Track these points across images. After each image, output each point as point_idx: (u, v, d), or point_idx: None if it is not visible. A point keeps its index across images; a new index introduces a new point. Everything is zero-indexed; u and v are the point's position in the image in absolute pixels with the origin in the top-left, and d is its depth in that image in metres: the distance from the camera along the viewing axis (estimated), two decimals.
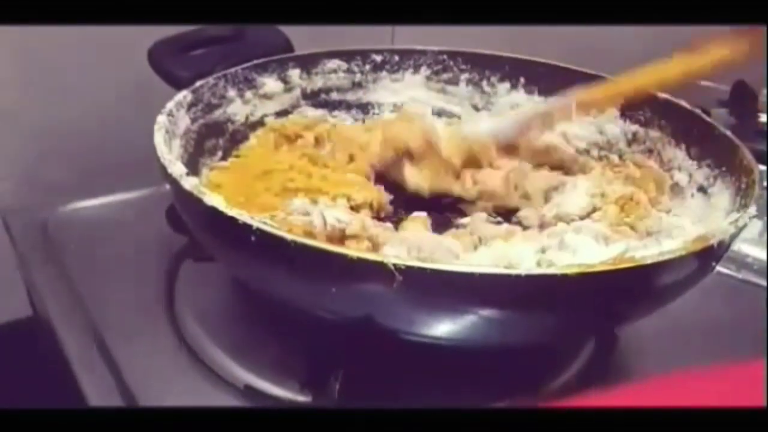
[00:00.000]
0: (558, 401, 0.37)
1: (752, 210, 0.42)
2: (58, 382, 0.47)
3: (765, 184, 0.45)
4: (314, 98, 0.62)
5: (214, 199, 0.39)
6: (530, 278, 0.35)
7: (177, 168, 0.42)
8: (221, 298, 0.53)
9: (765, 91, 0.84)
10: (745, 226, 0.41)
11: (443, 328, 0.40)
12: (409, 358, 0.43)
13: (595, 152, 0.59)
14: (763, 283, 0.58)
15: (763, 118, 0.84)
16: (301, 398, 0.44)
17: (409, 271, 0.35)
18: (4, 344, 0.67)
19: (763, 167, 0.47)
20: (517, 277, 0.35)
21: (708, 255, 0.39)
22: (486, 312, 0.38)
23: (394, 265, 0.35)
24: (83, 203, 0.63)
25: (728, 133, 0.50)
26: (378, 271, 0.35)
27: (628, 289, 0.39)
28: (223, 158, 0.56)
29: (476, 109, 0.63)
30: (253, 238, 0.37)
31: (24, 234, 0.59)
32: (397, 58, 0.63)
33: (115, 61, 0.63)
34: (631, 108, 0.57)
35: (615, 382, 0.48)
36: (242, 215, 0.37)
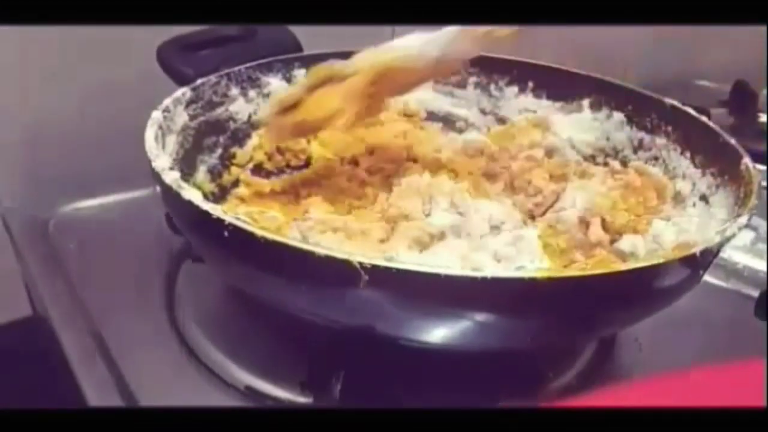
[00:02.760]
0: (558, 401, 0.37)
1: (742, 220, 0.41)
2: (58, 382, 0.47)
3: (765, 183, 0.45)
4: None
5: (191, 194, 0.39)
6: (496, 281, 0.35)
7: (161, 162, 0.42)
8: (221, 299, 0.53)
9: (765, 91, 0.84)
10: (733, 236, 0.40)
11: (422, 330, 0.39)
12: (409, 359, 0.43)
13: (600, 158, 0.59)
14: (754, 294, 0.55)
15: (763, 118, 0.84)
16: (302, 399, 0.44)
17: (375, 270, 0.34)
18: (4, 344, 0.67)
19: (762, 167, 0.47)
20: (483, 279, 0.34)
21: (691, 263, 0.39)
22: (456, 313, 0.37)
23: (360, 263, 0.34)
24: (83, 203, 0.63)
25: (733, 141, 0.49)
26: (344, 269, 0.34)
27: (603, 297, 0.38)
28: (223, 156, 0.56)
29: (484, 112, 0.63)
30: (226, 234, 0.37)
31: (24, 234, 0.59)
32: None
33: (116, 62, 0.63)
34: (639, 114, 0.57)
35: (615, 382, 0.48)
36: (215, 210, 0.37)
